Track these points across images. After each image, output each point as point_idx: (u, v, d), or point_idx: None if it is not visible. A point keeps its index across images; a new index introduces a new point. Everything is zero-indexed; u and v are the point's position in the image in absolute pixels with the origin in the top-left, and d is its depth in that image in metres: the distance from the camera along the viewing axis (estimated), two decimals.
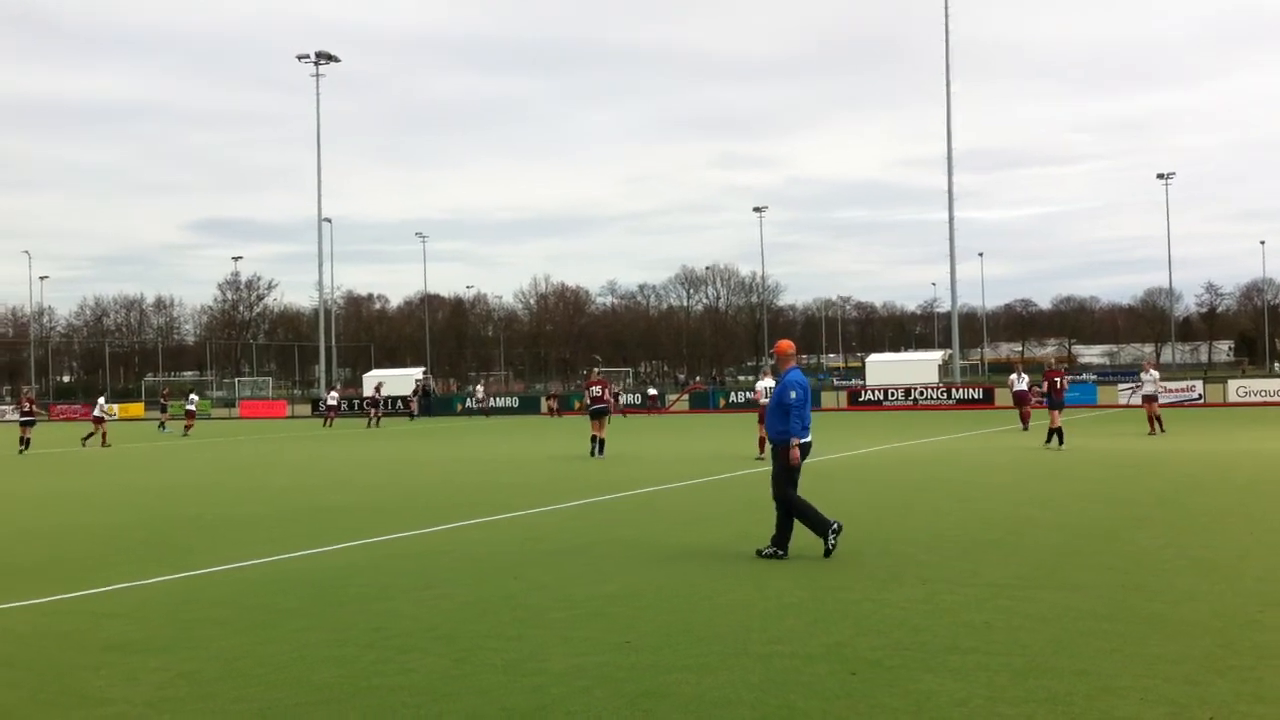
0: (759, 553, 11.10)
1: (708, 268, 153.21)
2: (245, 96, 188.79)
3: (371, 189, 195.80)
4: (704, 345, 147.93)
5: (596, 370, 30.15)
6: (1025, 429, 31.98)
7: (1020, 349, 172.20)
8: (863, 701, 6.22)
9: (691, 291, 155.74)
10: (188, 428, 44.69)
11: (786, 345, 11.72)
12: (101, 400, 40.76)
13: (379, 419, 52.98)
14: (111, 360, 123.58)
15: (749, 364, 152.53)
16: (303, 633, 8.22)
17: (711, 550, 11.62)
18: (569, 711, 6.15)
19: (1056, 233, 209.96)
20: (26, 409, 38.73)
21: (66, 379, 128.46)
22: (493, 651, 7.49)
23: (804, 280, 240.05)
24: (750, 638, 7.72)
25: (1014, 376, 34.33)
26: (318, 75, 77.94)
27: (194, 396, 41.32)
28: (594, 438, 26.36)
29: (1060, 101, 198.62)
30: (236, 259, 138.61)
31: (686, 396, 67.43)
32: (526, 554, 11.64)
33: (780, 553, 10.99)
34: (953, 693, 6.33)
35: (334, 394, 58.39)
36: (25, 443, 36.47)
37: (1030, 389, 32.95)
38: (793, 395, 10.99)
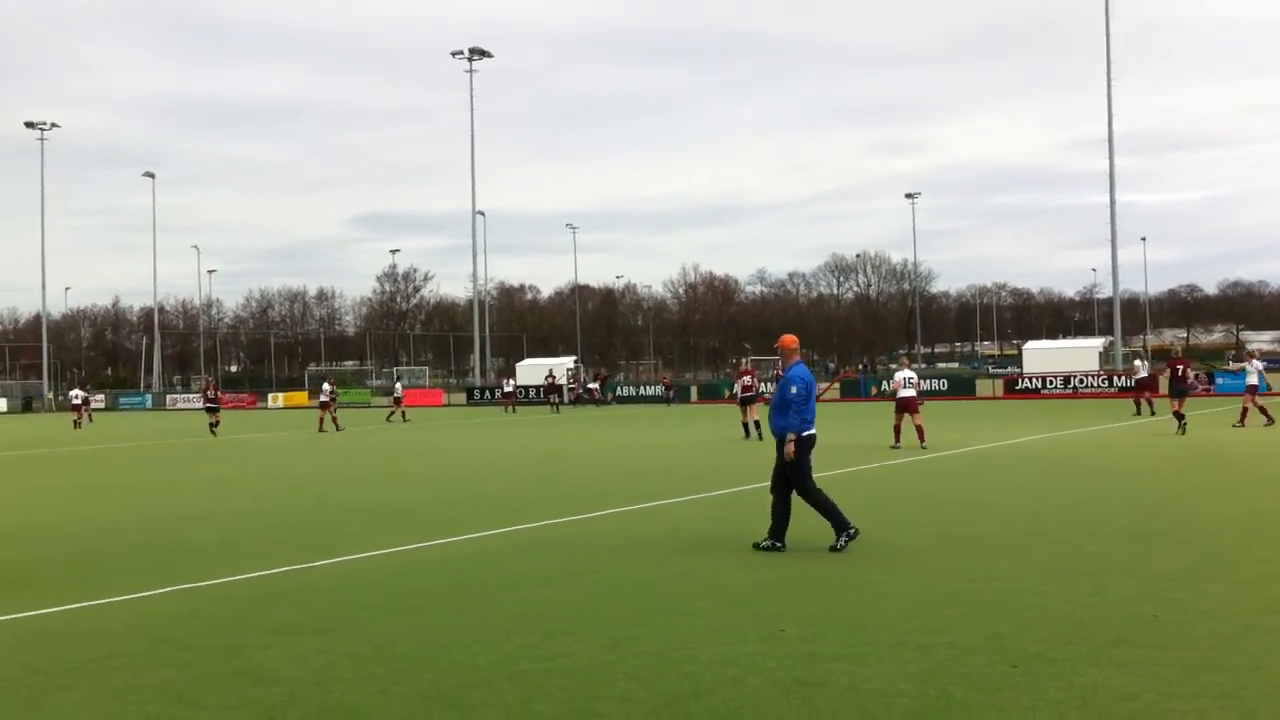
0: (757, 546, 11.02)
1: (858, 255, 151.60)
2: (403, 93, 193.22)
3: (524, 182, 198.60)
4: (854, 334, 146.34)
5: (746, 360, 31.81)
6: (1148, 414, 33.61)
7: (1185, 335, 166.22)
8: (1025, 694, 6.04)
9: (841, 279, 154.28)
10: (333, 420, 41.13)
11: (789, 340, 11.70)
12: (326, 386, 42.33)
13: (560, 404, 57.17)
14: (276, 350, 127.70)
15: (900, 351, 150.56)
16: (455, 617, 8.34)
17: (859, 541, 11.44)
18: (723, 699, 6.11)
19: (1224, 216, 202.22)
20: (211, 396, 41.40)
21: (233, 369, 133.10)
22: (641, 639, 7.48)
23: (958, 267, 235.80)
24: (907, 628, 7.57)
25: (1137, 363, 36.84)
26: (471, 71, 79.23)
27: (327, 386, 41.79)
28: (745, 423, 28.37)
29: (1227, 82, 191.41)
30: (394, 252, 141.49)
31: (836, 385, 66.79)
32: (671, 542, 11.63)
33: (778, 545, 10.93)
34: (1121, 687, 6.11)
35: (510, 381, 60.98)
36: (214, 426, 39.20)
37: (1186, 377, 31.87)
38: (793, 390, 11.00)
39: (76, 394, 53.49)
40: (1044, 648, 6.98)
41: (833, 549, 10.73)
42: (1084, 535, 11.35)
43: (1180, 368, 28.04)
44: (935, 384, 61.28)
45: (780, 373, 11.80)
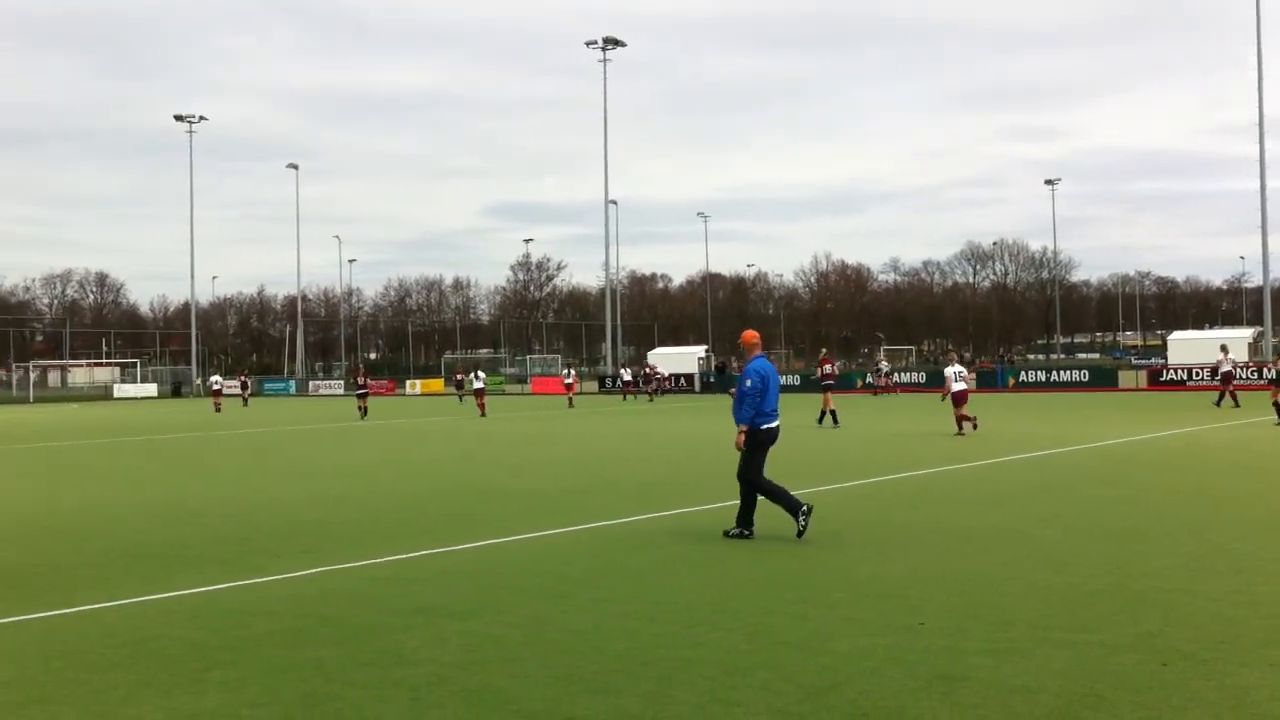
0: (726, 534, 11.29)
1: (995, 243, 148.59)
2: (537, 83, 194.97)
3: (655, 170, 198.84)
4: (990, 323, 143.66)
5: (824, 351, 36.40)
6: (1236, 405, 34.48)
7: None
8: (1176, 694, 5.91)
9: (978, 267, 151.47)
10: (479, 406, 43.15)
11: (748, 336, 12.01)
12: (480, 374, 43.84)
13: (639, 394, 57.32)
14: (413, 338, 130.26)
15: (1039, 341, 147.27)
16: (594, 603, 8.45)
17: (997, 532, 11.27)
18: (862, 691, 6.10)
19: None
20: (361, 382, 43.75)
21: (372, 356, 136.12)
22: (780, 629, 7.49)
23: (1099, 255, 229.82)
24: (1051, 624, 7.45)
25: (1223, 358, 36.96)
26: (605, 60, 79.72)
27: (480, 374, 43.03)
28: (823, 410, 30.09)
29: None
30: (527, 241, 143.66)
31: (973, 376, 65.64)
32: (810, 532, 11.57)
33: (746, 532, 11.22)
34: (1274, 688, 5.95)
35: (627, 370, 60.90)
36: (363, 411, 41.20)
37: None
38: (747, 384, 11.21)
39: (216, 380, 55.90)
40: (1195, 647, 6.81)
41: (799, 535, 11.01)
42: (1231, 532, 11.03)
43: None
44: (1075, 375, 59.84)
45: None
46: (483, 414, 41.10)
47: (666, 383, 62.88)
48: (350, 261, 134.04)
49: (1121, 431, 25.54)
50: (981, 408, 40.19)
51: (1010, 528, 11.62)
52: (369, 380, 45.30)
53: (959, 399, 25.57)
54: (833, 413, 29.72)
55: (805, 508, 11.10)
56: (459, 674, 6.61)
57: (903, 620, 7.64)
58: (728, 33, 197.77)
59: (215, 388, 54.77)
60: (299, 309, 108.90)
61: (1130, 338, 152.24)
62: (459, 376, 58.66)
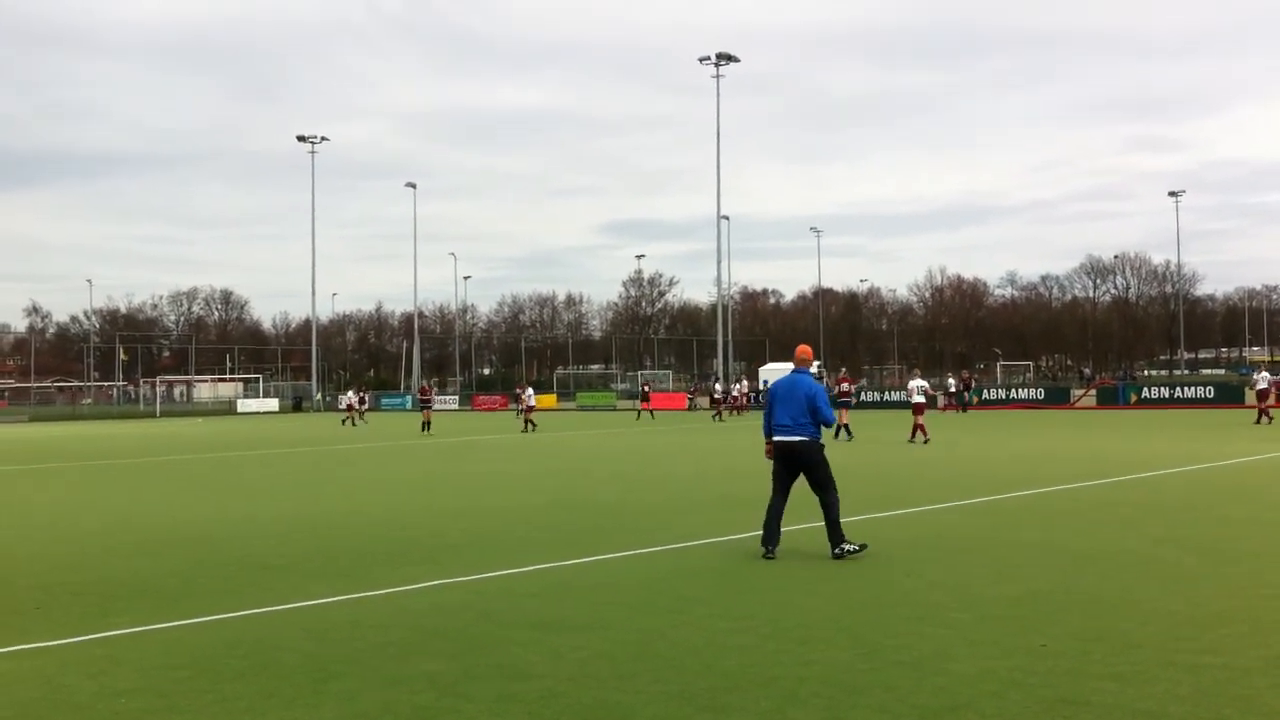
0: (834, 555, 11.06)
1: (1116, 256, 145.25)
2: (653, 100, 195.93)
3: (768, 186, 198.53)
4: (1111, 338, 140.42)
5: (844, 369, 42.02)
6: (1269, 421, 36.08)
7: None
8: None
9: (1098, 282, 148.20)
10: (528, 421, 43.00)
11: (798, 350, 12.02)
12: (530, 390, 44.98)
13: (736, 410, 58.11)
14: (526, 354, 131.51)
15: (1162, 357, 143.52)
16: (708, 620, 8.42)
17: (1117, 553, 10.99)
18: (982, 713, 5.98)
19: None
20: (425, 397, 46.69)
21: (486, 371, 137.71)
22: (896, 649, 7.39)
23: (1224, 269, 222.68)
24: (1177, 646, 7.24)
25: (1260, 375, 38.46)
26: (718, 76, 79.77)
27: (531, 390, 45.17)
28: (838, 426, 31.63)
29: None
30: (640, 257, 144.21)
31: (1093, 392, 64.23)
32: (924, 551, 11.43)
33: (849, 547, 11.03)
34: None
35: (718, 387, 60.78)
36: (426, 425, 42.90)
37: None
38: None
39: (347, 396, 57.77)
40: None
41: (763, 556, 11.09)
42: None
43: (847, 383, 34.87)
44: (1199, 391, 58.21)
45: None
46: (527, 429, 42.10)
47: (741, 400, 61.50)
48: (465, 278, 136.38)
49: (1246, 450, 24.76)
50: (1104, 425, 39.41)
51: (1130, 549, 11.32)
52: (432, 395, 48.06)
53: (918, 409, 29.84)
54: (845, 426, 32.48)
55: (767, 551, 11.14)
56: (572, 689, 6.63)
57: (1023, 642, 7.48)
58: (842, 47, 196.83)
59: (343, 405, 56.93)
60: (415, 325, 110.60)
61: (1257, 353, 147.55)
62: (517, 391, 59.16)
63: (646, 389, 59.13)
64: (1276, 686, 6.31)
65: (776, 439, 11.42)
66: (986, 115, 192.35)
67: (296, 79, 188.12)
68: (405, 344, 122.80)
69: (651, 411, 55.17)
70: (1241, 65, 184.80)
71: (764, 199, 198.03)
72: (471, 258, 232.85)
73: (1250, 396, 55.97)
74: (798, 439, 11.31)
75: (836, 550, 11.01)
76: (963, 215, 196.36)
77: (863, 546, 11.12)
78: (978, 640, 7.57)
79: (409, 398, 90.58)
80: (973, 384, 60.36)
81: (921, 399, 30.03)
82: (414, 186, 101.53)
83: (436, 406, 76.53)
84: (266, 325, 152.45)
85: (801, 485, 11.44)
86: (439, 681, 6.87)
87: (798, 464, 11.38)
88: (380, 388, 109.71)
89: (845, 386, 35.51)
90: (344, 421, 52.84)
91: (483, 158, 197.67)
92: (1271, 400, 37.66)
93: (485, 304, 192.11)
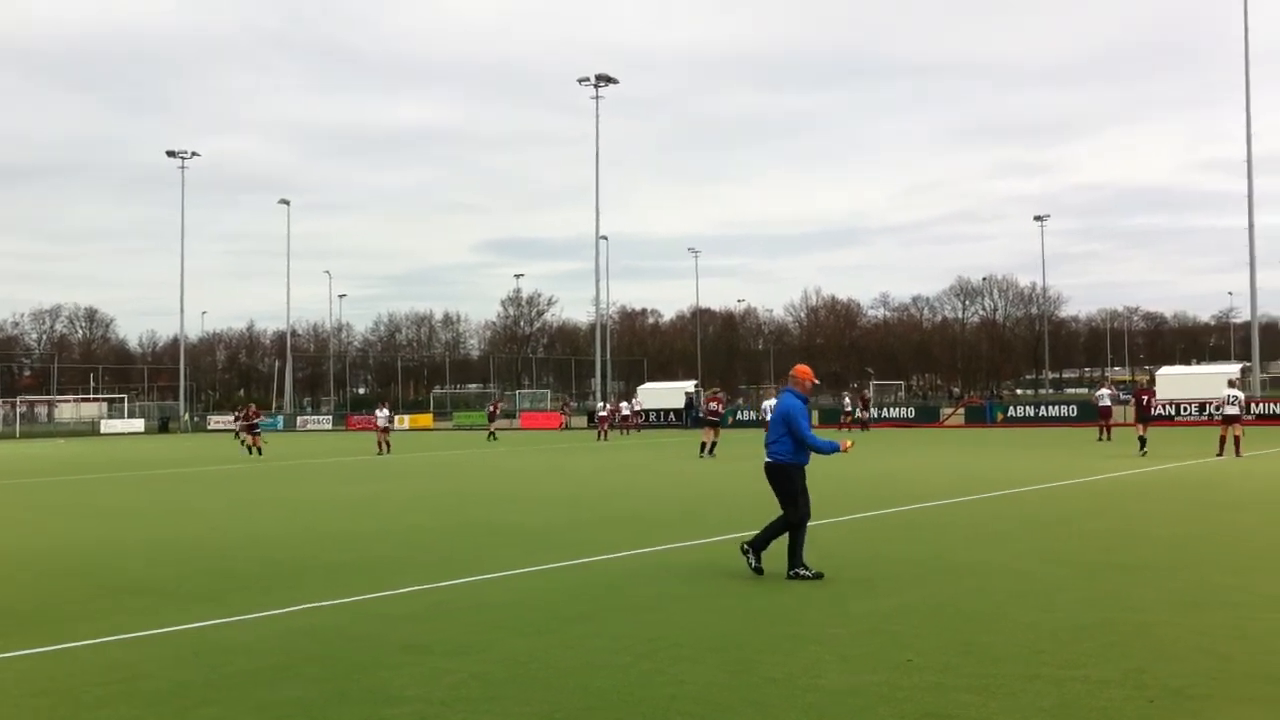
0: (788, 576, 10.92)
1: (985, 278, 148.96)
2: (533, 119, 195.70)
3: (648, 206, 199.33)
4: (980, 358, 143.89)
5: (714, 389, 41.41)
6: (1109, 439, 37.78)
7: None
8: None
9: (967, 303, 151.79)
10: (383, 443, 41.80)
11: (793, 370, 12.00)
12: (384, 411, 43.53)
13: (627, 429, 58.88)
14: (403, 373, 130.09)
15: (1028, 376, 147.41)
16: (583, 639, 8.41)
17: (986, 568, 11.26)
18: None
19: None
20: (244, 416, 44.43)
21: (361, 391, 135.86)
22: (768, 665, 7.46)
23: (1088, 291, 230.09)
24: (1040, 660, 7.44)
25: (1102, 391, 39.68)
26: (597, 97, 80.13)
27: (386, 411, 43.25)
28: (703, 443, 33.33)
29: None
30: (518, 276, 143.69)
31: (961, 411, 65.72)
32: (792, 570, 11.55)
33: (808, 573, 10.82)
34: None
35: (605, 405, 60.72)
36: (249, 448, 40.85)
37: (1151, 405, 34.77)
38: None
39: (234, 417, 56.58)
40: (1183, 683, 6.79)
41: (757, 569, 11.03)
42: (1220, 565, 11.03)
43: (1145, 398, 33.94)
44: (1063, 410, 59.93)
45: (774, 394, 12.20)
46: (381, 451, 40.45)
47: (633, 420, 61.75)
48: (340, 296, 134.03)
49: (1109, 467, 25.56)
50: (971, 443, 40.35)
51: (999, 564, 11.61)
52: (258, 415, 45.04)
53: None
54: (712, 445, 33.31)
55: (752, 561, 11.09)
56: (443, 712, 6.57)
57: (892, 657, 7.61)
58: (722, 70, 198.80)
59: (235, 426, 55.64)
60: (288, 344, 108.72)
61: (1119, 373, 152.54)
62: (493, 411, 58.88)
63: (494, 409, 57.84)
64: (1133, 699, 6.51)
65: (766, 460, 11.34)
66: (863, 139, 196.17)
67: (171, 93, 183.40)
68: (277, 363, 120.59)
69: (493, 433, 53.93)
70: (1105, 93, 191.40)
71: (647, 219, 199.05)
72: (348, 275, 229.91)
73: (1116, 414, 57.84)
74: (769, 460, 11.28)
75: (790, 573, 10.84)
76: (839, 237, 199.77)
77: (818, 575, 10.78)
78: (849, 655, 7.68)
79: (279, 418, 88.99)
80: (869, 403, 60.93)
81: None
82: (287, 203, 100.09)
83: (311, 427, 75.30)
84: (133, 344, 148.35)
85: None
86: (309, 707, 6.74)
87: (773, 485, 11.28)
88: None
89: (714, 406, 36.03)
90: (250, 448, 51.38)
91: (362, 174, 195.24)
92: (1115, 419, 39.23)
93: (361, 322, 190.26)
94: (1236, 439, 28.56)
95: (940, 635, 8.26)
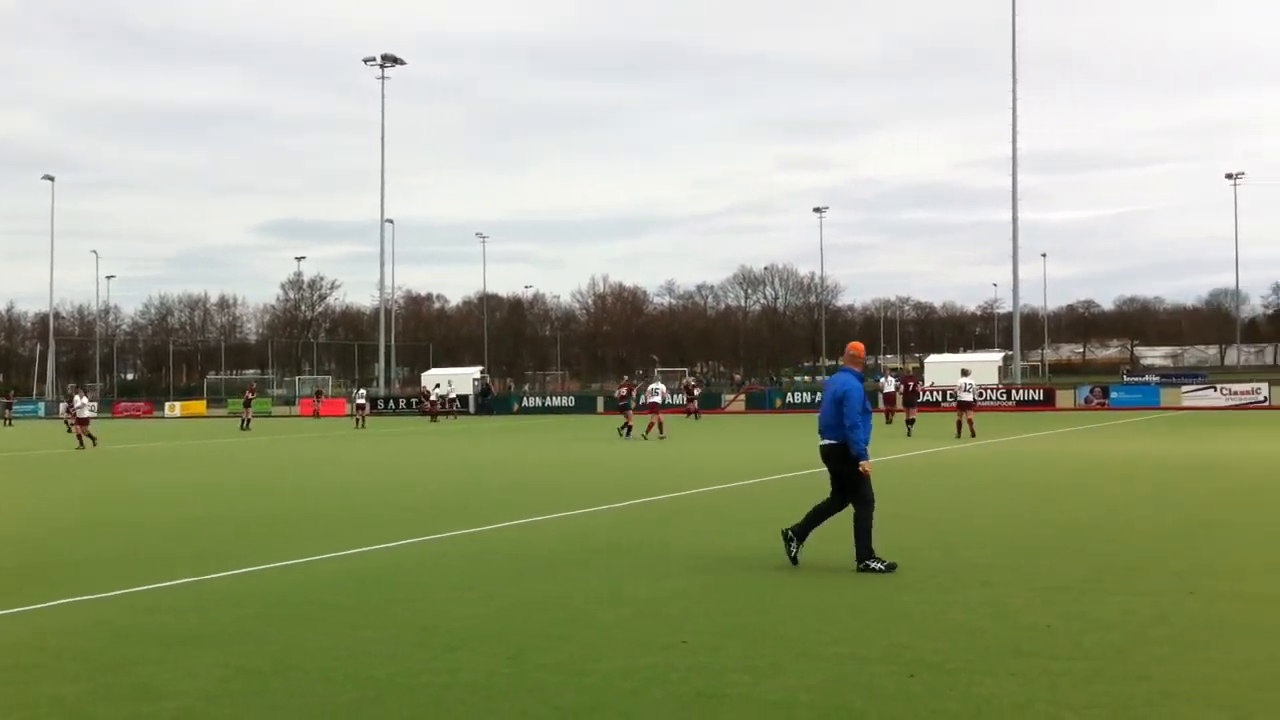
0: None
1: (766, 268, 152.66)
2: (321, 101, 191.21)
3: (439, 192, 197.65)
4: (762, 346, 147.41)
5: (625, 378, 43.81)
6: (889, 423, 39.57)
7: (1082, 350, 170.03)
8: (922, 704, 6.13)
9: (750, 292, 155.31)
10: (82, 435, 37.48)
11: (849, 348, 11.28)
12: (78, 399, 39.66)
13: (438, 415, 58.40)
14: (175, 358, 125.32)
15: (806, 364, 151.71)
16: (355, 630, 8.24)
17: (764, 552, 11.51)
18: (623, 711, 6.11)
19: (1123, 234, 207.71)
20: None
21: (130, 377, 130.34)
22: (544, 651, 7.45)
23: (864, 281, 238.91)
24: (807, 639, 7.64)
25: (884, 380, 41.60)
26: (383, 78, 78.97)
27: (79, 399, 38.48)
28: (623, 426, 36.03)
29: (1125, 106, 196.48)
30: (299, 259, 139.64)
31: (743, 397, 67.22)
32: (574, 554, 11.61)
33: (879, 565, 10.22)
34: (1014, 697, 6.22)
35: (363, 392, 60.19)
36: (80, 439, 36.39)
37: (917, 391, 38.76)
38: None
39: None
40: (941, 658, 7.08)
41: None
42: (982, 548, 11.54)
43: (911, 383, 37.93)
44: None
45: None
46: (80, 445, 36.28)
47: (446, 404, 61.52)
48: (109, 278, 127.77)
49: (880, 450, 26.49)
50: (752, 428, 41.34)
51: (770, 547, 11.87)
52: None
53: (654, 408, 35.34)
54: (626, 427, 35.85)
55: (793, 549, 10.57)
56: (207, 707, 6.34)
57: (668, 639, 7.70)
58: (515, 58, 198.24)
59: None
60: (50, 327, 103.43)
61: (891, 360, 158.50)
62: (70, 393, 50.93)
63: (249, 394, 55.68)
64: (895, 673, 6.74)
65: (821, 443, 10.68)
66: (655, 131, 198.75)
67: None
68: (40, 348, 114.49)
69: (247, 421, 50.95)
70: (886, 92, 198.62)
71: (437, 204, 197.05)
72: (120, 257, 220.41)
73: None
74: (830, 442, 10.55)
75: (859, 565, 10.24)
76: (630, 225, 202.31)
77: (890, 566, 10.17)
78: (624, 639, 7.73)
79: (42, 404, 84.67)
80: (696, 390, 61.21)
81: (658, 399, 36.04)
82: (51, 179, 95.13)
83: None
84: None
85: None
86: (66, 705, 6.42)
87: (830, 469, 10.66)
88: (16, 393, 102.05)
89: (623, 391, 38.45)
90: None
91: (139, 153, 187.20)
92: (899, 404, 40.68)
93: (131, 305, 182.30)
94: (970, 422, 30.90)
95: (711, 618, 8.41)
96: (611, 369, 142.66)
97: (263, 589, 10.05)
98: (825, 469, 10.82)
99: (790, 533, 10.73)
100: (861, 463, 10.36)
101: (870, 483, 10.47)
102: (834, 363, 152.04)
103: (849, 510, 10.56)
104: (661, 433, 34.41)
